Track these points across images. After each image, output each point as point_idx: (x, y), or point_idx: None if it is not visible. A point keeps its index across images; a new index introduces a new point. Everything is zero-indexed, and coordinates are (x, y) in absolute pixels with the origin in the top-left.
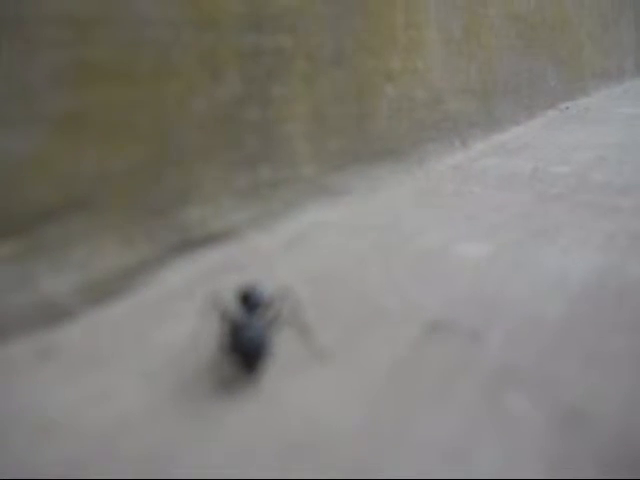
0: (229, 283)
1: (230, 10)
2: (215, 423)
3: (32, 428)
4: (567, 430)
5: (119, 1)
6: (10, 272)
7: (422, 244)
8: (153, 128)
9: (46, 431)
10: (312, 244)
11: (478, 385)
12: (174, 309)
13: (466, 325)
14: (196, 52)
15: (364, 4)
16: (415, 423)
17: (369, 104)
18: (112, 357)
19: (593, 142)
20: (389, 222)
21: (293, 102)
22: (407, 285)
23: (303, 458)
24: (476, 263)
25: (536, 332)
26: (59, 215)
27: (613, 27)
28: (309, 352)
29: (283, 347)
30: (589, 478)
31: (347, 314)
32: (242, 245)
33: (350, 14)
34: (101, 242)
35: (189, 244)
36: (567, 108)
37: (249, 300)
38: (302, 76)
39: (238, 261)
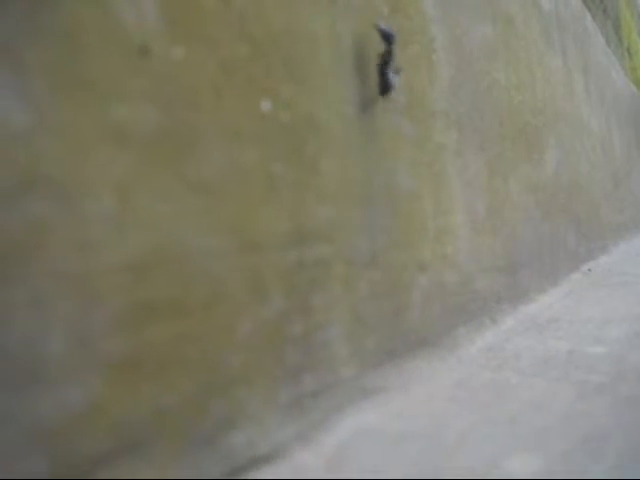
0: None
1: (274, 229)
2: None
3: None
4: None
5: (172, 238)
6: None
7: (466, 459)
8: (202, 357)
9: None
10: (353, 458)
11: None
12: None
13: None
14: (243, 276)
15: (395, 202)
16: None
17: (403, 297)
18: None
19: (623, 312)
20: (428, 428)
21: (333, 308)
22: None
23: None
24: None
25: None
26: (109, 461)
27: (625, 181)
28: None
29: None
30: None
31: None
32: (287, 464)
33: (383, 215)
34: None
35: (235, 471)
36: (589, 270)
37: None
38: (341, 281)
39: None
